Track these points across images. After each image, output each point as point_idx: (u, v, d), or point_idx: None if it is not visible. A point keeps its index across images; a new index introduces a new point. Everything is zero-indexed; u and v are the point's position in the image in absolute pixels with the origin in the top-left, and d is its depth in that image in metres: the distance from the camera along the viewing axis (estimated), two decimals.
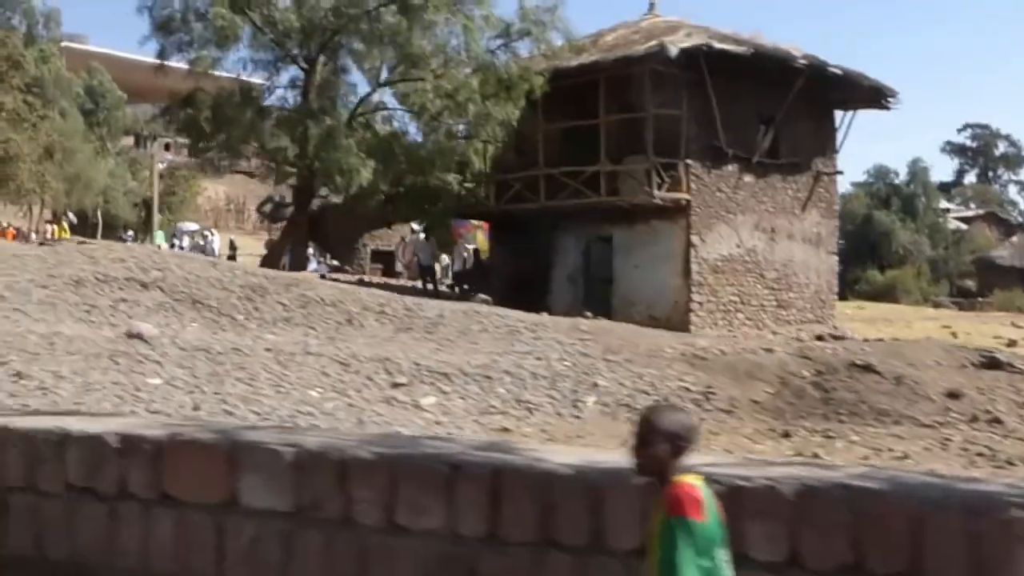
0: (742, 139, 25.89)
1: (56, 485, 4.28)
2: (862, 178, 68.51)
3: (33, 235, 45.35)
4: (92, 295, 11.46)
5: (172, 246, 44.24)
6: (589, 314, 21.45)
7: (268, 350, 12.43)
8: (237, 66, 24.01)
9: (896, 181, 66.62)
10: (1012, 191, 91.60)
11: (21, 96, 59.42)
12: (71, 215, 53.96)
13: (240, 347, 12.44)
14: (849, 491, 3.21)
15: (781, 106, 26.16)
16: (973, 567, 3.04)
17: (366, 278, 31.56)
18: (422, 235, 31.31)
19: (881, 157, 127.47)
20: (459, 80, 22.27)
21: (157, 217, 52.28)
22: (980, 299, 53.01)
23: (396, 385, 12.00)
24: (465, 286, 29.54)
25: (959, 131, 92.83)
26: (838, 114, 28.84)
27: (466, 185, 25.11)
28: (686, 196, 24.88)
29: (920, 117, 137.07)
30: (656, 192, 24.32)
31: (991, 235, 69.43)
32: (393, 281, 31.58)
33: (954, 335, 27.54)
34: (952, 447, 10.72)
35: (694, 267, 25.10)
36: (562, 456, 3.71)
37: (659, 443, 2.88)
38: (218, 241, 46.42)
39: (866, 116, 37.60)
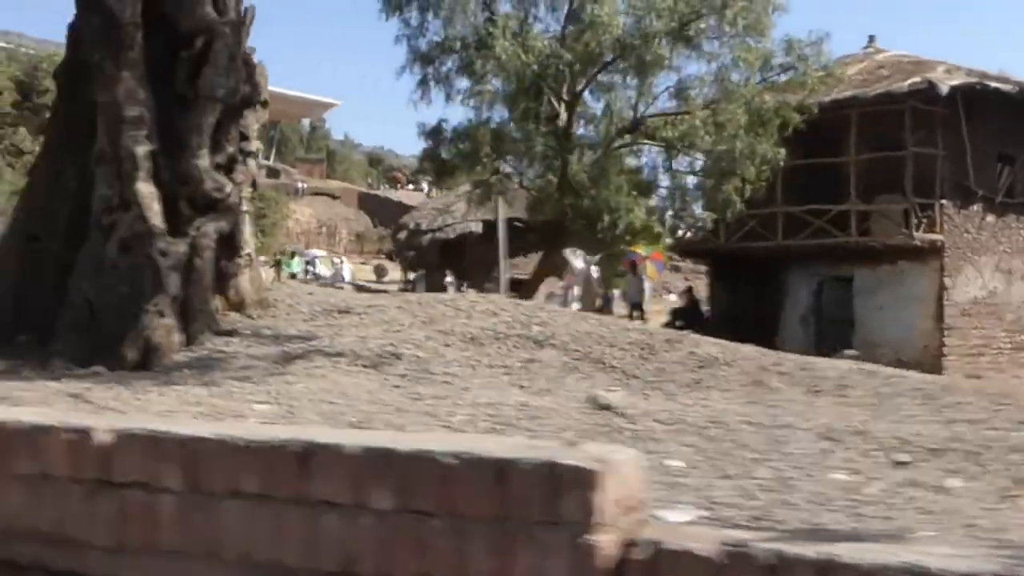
0: (986, 178, 25.13)
1: None
2: None
3: None
4: (496, 354, 10.53)
5: (306, 273, 43.42)
6: (852, 352, 20.55)
7: (748, 423, 11.50)
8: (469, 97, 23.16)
9: None
10: None
11: None
12: None
13: (718, 419, 11.52)
14: None
15: (1020, 144, 25.45)
16: None
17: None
18: (593, 267, 30.40)
19: None
20: (729, 113, 21.37)
21: (292, 245, 51.53)
22: None
23: (899, 464, 11.08)
24: (678, 323, 28.64)
25: None
26: None
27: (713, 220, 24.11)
28: (940, 237, 24.06)
29: None
30: (915, 233, 23.52)
31: None
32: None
33: None
34: None
35: (947, 310, 24.24)
36: None
37: None
38: (348, 269, 45.67)
39: None
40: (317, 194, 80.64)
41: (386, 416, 7.01)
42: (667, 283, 42.08)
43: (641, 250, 33.03)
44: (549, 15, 22.72)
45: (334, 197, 78.05)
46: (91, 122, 9.67)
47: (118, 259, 8.85)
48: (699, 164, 24.28)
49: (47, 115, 16.50)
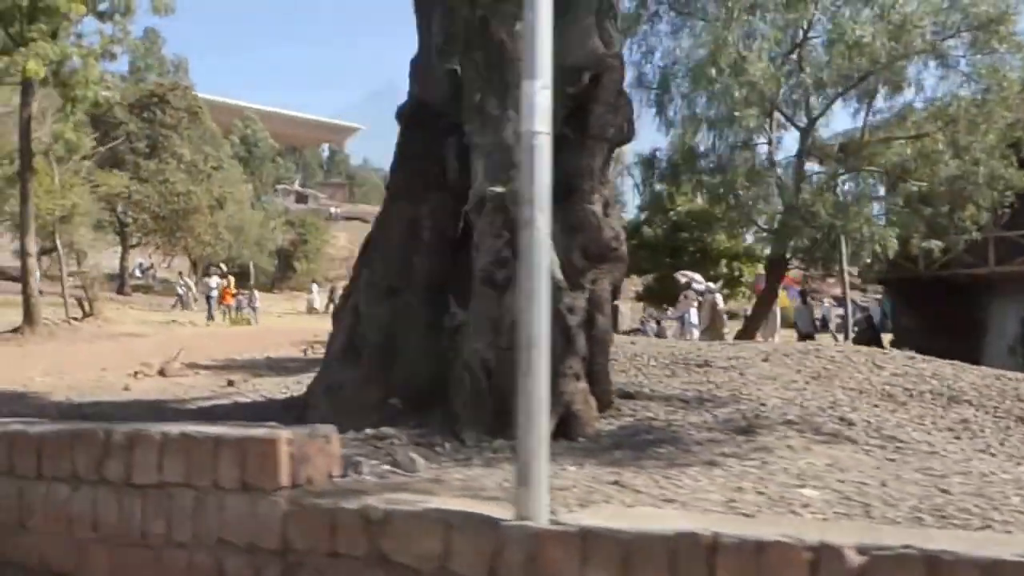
0: None
1: None
2: None
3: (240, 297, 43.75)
4: (927, 413, 9.62)
5: None
6: None
7: None
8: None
9: None
10: None
11: (196, 148, 58.73)
12: (223, 266, 52.80)
13: None
14: None
15: None
16: None
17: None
18: (718, 294, 29.28)
19: None
20: (979, 134, 20.18)
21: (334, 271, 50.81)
22: None
23: None
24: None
25: None
26: None
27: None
28: None
29: None
30: None
31: None
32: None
33: None
34: None
35: None
36: None
37: None
38: None
39: None
40: (349, 219, 79.88)
41: (957, 502, 6.08)
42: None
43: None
44: (787, 37, 21.52)
45: (365, 221, 77.47)
46: (440, 165, 8.90)
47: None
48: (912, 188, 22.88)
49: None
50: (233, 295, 42.97)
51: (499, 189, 8.35)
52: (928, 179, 20.97)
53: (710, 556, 3.24)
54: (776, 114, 21.62)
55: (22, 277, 21.75)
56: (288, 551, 4.21)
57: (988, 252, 23.66)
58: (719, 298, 29.88)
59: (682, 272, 30.27)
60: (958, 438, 8.19)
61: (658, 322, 34.34)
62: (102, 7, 22.17)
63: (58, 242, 26.95)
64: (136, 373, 13.05)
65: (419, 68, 9.45)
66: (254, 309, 41.74)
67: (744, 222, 24.00)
